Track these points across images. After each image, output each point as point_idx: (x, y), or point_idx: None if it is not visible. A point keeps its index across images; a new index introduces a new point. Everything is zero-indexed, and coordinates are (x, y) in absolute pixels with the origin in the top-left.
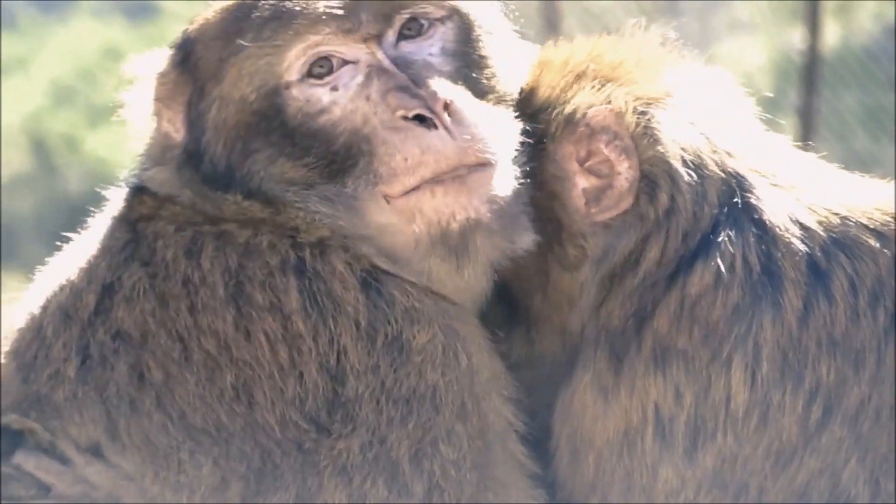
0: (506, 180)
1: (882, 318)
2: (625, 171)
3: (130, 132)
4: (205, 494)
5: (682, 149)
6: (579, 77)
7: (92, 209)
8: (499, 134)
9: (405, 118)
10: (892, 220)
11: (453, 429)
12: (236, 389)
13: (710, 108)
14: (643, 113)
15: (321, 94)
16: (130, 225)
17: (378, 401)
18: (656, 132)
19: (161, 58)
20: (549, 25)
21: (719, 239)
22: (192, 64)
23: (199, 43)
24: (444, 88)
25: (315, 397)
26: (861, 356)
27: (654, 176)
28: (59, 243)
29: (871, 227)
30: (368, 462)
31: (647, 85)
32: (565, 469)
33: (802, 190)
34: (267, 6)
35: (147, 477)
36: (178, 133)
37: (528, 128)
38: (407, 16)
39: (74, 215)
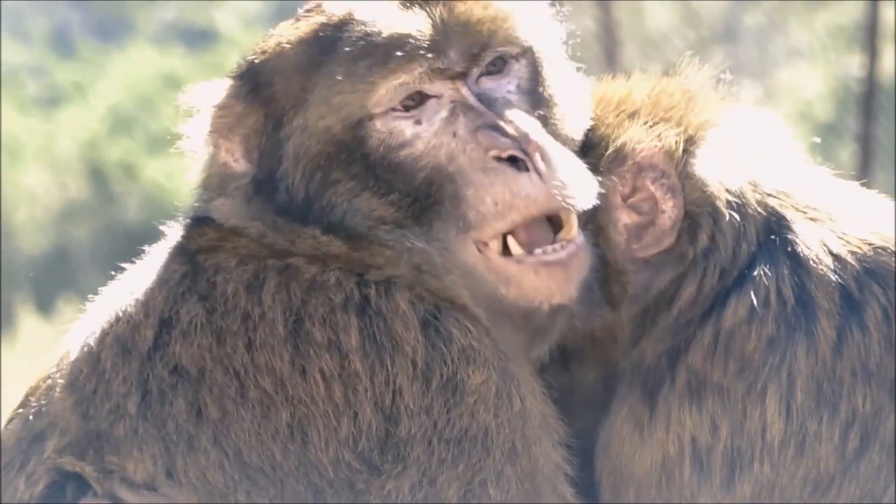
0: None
1: None
2: (668, 210)
3: (188, 163)
4: None
5: (728, 190)
6: (633, 115)
7: (150, 237)
8: (581, 179)
9: (497, 158)
10: None
11: (503, 471)
12: (291, 428)
13: (758, 150)
14: (692, 153)
15: (404, 126)
16: (189, 256)
17: (430, 441)
18: (703, 173)
19: (220, 88)
20: (608, 54)
21: (754, 273)
22: (266, 94)
23: (276, 74)
24: (534, 129)
25: (368, 437)
26: None
27: (697, 216)
28: (115, 272)
29: (872, 248)
30: (418, 502)
31: (698, 126)
32: (609, 502)
33: (839, 222)
34: (356, 39)
35: None
36: (238, 163)
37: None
38: (495, 54)
39: (131, 243)
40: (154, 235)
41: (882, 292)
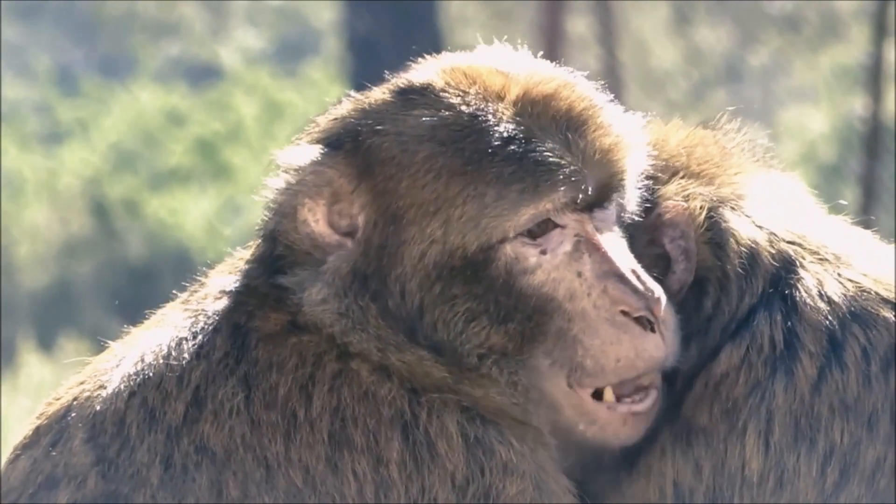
0: None
1: (894, 381)
2: (679, 273)
3: (263, 228)
4: None
5: (741, 254)
6: (666, 166)
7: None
8: (676, 334)
9: (624, 313)
10: None
11: None
12: (248, 476)
13: (780, 215)
14: (714, 218)
15: (530, 254)
16: (240, 336)
17: None
18: (721, 239)
19: (320, 156)
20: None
21: (753, 324)
22: (383, 185)
23: (403, 169)
24: (657, 286)
25: None
26: (874, 418)
27: (705, 283)
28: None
29: (889, 298)
30: None
31: (727, 188)
32: None
33: (842, 263)
34: (506, 158)
35: None
36: (329, 236)
37: None
38: (621, 188)
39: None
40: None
41: (862, 332)
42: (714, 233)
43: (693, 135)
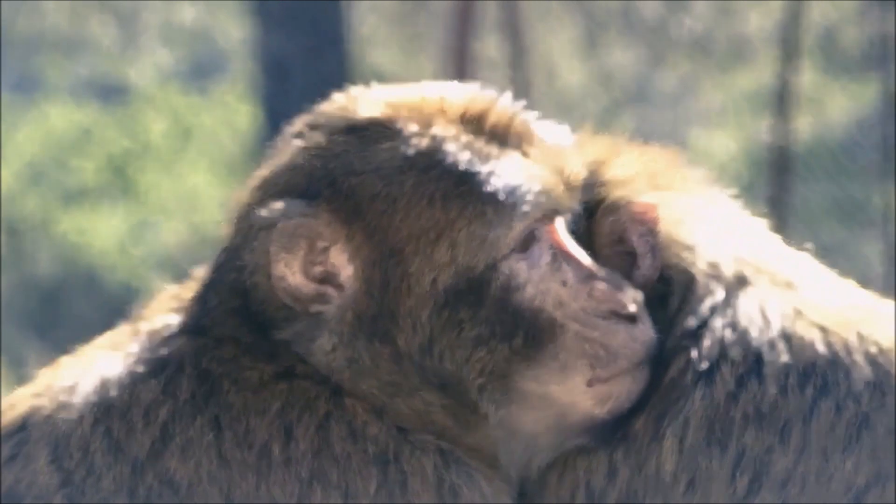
0: None
1: (809, 394)
2: (644, 268)
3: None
4: None
5: (708, 254)
6: (626, 174)
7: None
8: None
9: (612, 312)
10: (836, 318)
11: None
12: None
13: (734, 225)
14: (678, 221)
15: (521, 269)
16: (210, 382)
17: None
18: (687, 241)
19: (297, 211)
20: None
21: (705, 330)
22: (374, 222)
23: (392, 202)
24: (624, 282)
25: None
26: (787, 427)
27: (670, 282)
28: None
29: (814, 318)
30: None
31: (687, 197)
32: None
33: (791, 287)
34: (490, 175)
35: None
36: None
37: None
38: (578, 196)
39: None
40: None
41: (786, 350)
42: (680, 237)
43: (645, 150)
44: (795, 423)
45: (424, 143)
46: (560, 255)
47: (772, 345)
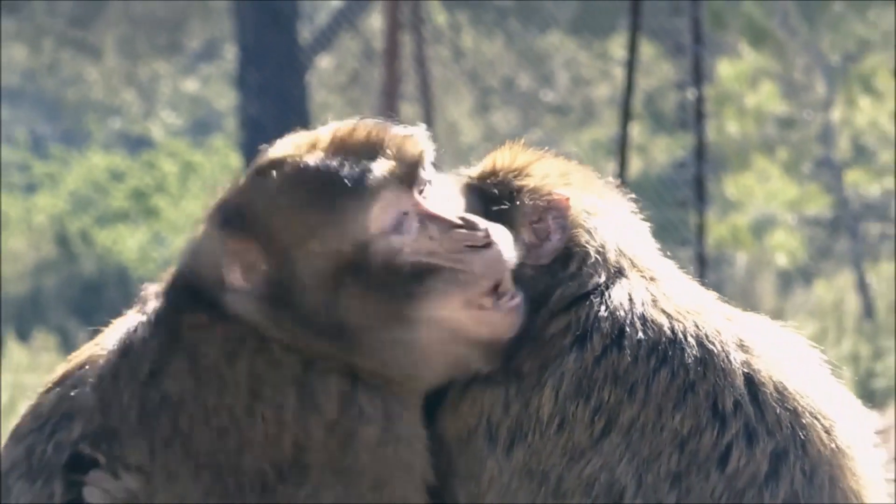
0: None
1: (653, 363)
2: (554, 242)
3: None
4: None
5: (600, 244)
6: (550, 175)
7: (101, 286)
8: (510, 246)
9: (470, 246)
10: (680, 308)
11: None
12: (232, 440)
13: (623, 223)
14: (585, 211)
15: (394, 240)
16: (176, 330)
17: (323, 469)
18: (587, 226)
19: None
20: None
21: (583, 304)
22: (268, 237)
23: (278, 222)
24: (478, 218)
25: (284, 456)
26: (634, 387)
27: (572, 252)
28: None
29: (665, 307)
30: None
31: (588, 194)
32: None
33: (655, 280)
34: (345, 177)
35: (166, 483)
36: (240, 281)
37: (496, 190)
38: (426, 171)
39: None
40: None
41: (642, 328)
42: (582, 223)
43: (559, 159)
44: (641, 384)
45: (294, 169)
46: (426, 218)
47: (632, 324)
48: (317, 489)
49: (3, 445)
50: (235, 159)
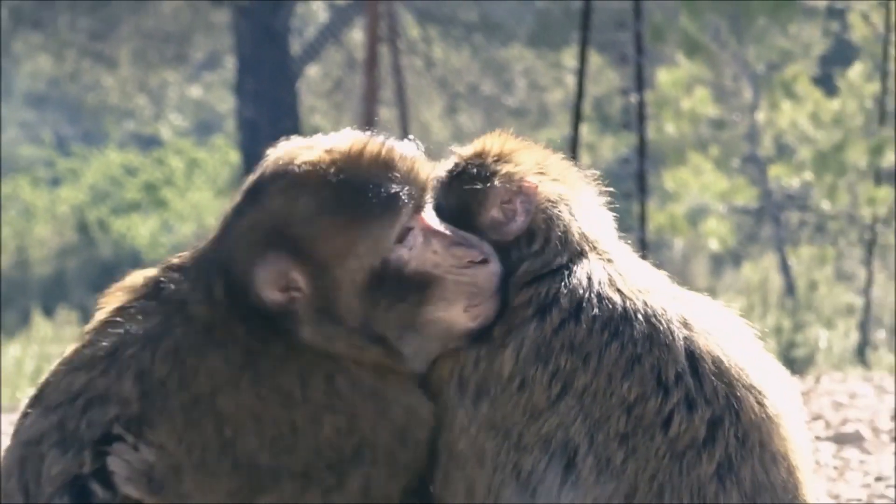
0: None
1: (605, 336)
2: (519, 222)
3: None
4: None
5: (562, 226)
6: (525, 162)
7: (116, 269)
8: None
9: (470, 262)
10: (633, 287)
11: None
12: (245, 429)
13: (588, 207)
14: (550, 199)
15: (404, 254)
16: (185, 315)
17: (315, 448)
18: (550, 211)
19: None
20: None
21: (547, 280)
22: (309, 255)
23: (317, 241)
24: (477, 238)
25: (281, 436)
26: (588, 357)
27: (535, 233)
28: (94, 289)
29: (620, 286)
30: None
31: (559, 183)
32: None
33: (613, 262)
34: (370, 194)
35: (195, 473)
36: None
37: (476, 170)
38: (429, 192)
39: (104, 272)
40: (119, 267)
41: (597, 303)
42: (546, 206)
43: (537, 148)
44: (594, 354)
45: (328, 189)
46: (429, 233)
47: (588, 300)
48: (368, 479)
49: (26, 411)
50: (234, 156)
